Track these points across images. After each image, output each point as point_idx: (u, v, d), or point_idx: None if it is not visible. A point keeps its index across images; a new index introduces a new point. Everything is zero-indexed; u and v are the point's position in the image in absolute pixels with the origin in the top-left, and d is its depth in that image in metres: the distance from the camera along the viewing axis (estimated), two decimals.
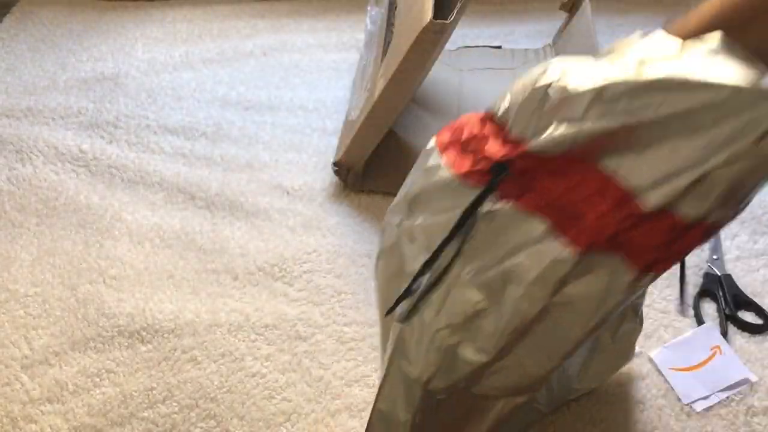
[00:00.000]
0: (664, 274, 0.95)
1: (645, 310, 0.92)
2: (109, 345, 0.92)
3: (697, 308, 0.92)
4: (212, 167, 1.19)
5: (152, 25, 1.57)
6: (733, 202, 0.41)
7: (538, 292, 0.48)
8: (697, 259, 0.98)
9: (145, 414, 0.84)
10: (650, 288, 0.95)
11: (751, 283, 0.94)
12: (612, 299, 0.47)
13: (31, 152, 1.24)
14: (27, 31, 1.57)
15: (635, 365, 0.86)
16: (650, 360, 0.87)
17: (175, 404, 0.85)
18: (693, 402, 0.82)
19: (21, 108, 1.34)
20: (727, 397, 0.82)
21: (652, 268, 0.45)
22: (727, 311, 0.91)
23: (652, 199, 0.42)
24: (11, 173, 1.20)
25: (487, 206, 0.49)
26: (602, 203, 0.44)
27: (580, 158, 0.44)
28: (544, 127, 0.45)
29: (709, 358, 0.86)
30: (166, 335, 0.92)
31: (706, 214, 0.41)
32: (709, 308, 0.93)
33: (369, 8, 1.27)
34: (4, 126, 1.30)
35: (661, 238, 0.43)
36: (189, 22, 1.58)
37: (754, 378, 0.84)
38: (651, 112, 0.40)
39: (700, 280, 0.95)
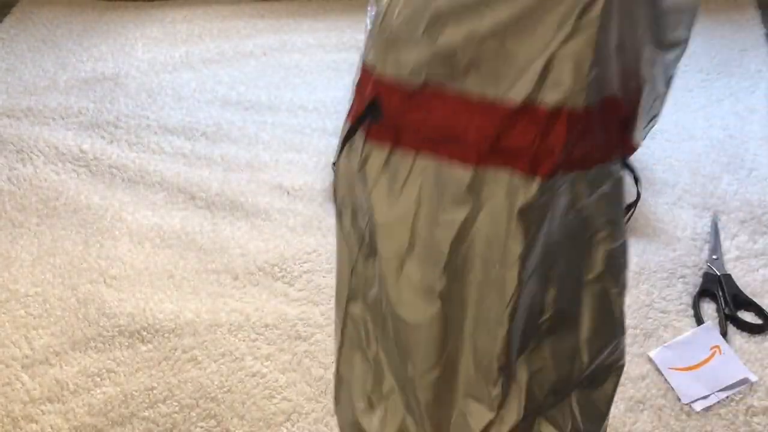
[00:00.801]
0: (664, 275, 0.96)
1: (645, 310, 0.92)
2: (109, 345, 0.92)
3: (696, 308, 0.92)
4: (212, 167, 1.19)
5: (152, 25, 1.57)
6: (582, 81, 0.44)
7: (451, 216, 0.49)
8: (697, 259, 0.98)
9: (146, 413, 0.84)
10: (650, 288, 0.95)
11: (750, 283, 0.94)
12: (518, 222, 0.47)
13: (31, 152, 1.24)
14: (27, 31, 1.57)
15: (635, 365, 0.86)
16: (650, 360, 0.87)
17: (175, 404, 0.85)
18: (693, 402, 0.82)
19: (21, 108, 1.34)
20: (727, 397, 0.82)
21: (537, 170, 0.46)
22: (726, 311, 0.91)
23: (513, 96, 0.45)
24: (12, 173, 1.20)
25: (378, 157, 0.50)
26: (474, 119, 0.47)
27: (438, 86, 0.47)
28: (393, 57, 0.48)
29: (709, 358, 0.86)
30: (166, 335, 0.92)
31: (564, 97, 0.45)
32: (708, 308, 0.93)
33: (369, 8, 1.27)
34: (5, 126, 1.30)
35: (533, 132, 0.45)
36: (189, 22, 1.58)
37: (753, 378, 0.84)
38: (485, 23, 0.44)
39: (699, 280, 0.95)
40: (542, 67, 0.44)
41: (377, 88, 0.49)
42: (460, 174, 0.47)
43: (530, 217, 0.47)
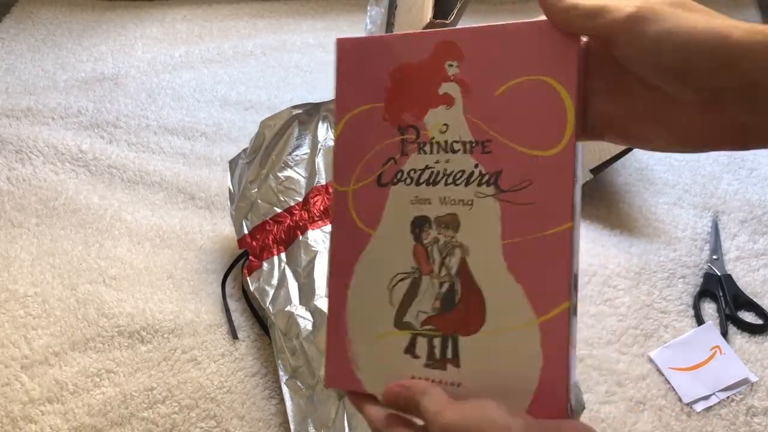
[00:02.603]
0: (665, 275, 0.96)
1: (645, 310, 0.92)
2: (109, 345, 0.92)
3: (697, 308, 0.92)
4: (212, 167, 1.19)
5: (152, 25, 1.57)
6: None
7: None
8: (697, 259, 0.98)
9: (145, 414, 0.84)
10: (650, 288, 0.95)
11: (751, 283, 0.94)
12: None
13: (30, 152, 1.24)
14: (27, 31, 1.57)
15: (635, 365, 0.86)
16: (650, 360, 0.87)
17: (175, 404, 0.85)
18: (693, 402, 0.82)
19: (21, 108, 1.34)
20: (728, 397, 0.82)
21: None
22: (727, 311, 0.91)
23: None
24: (11, 173, 1.20)
25: None
26: None
27: None
28: None
29: (710, 358, 0.86)
30: (166, 335, 0.92)
31: None
32: (709, 308, 0.93)
33: (369, 8, 1.27)
34: (4, 126, 1.30)
35: None
36: (189, 22, 1.58)
37: (754, 378, 0.84)
38: None
39: (700, 280, 0.95)
40: None
41: None
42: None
43: None
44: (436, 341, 0.44)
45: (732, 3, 1.46)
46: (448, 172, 0.44)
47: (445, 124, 0.44)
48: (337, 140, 0.47)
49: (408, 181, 0.45)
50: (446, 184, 0.44)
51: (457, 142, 0.44)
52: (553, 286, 0.41)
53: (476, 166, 0.43)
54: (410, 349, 0.45)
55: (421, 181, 0.44)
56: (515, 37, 0.43)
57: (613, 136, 0.43)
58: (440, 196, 0.44)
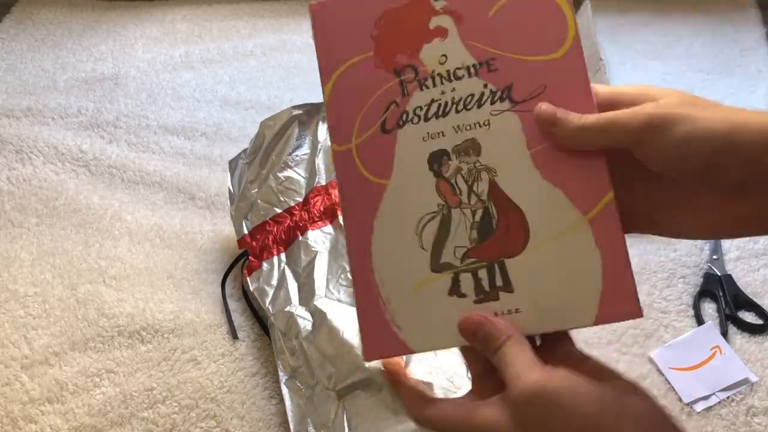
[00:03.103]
0: (665, 275, 0.96)
1: (645, 310, 0.92)
2: (109, 345, 0.92)
3: (697, 308, 0.92)
4: (212, 167, 1.19)
5: (152, 25, 1.57)
6: None
7: None
8: (697, 259, 0.98)
9: (145, 414, 0.84)
10: (650, 288, 0.95)
11: (751, 283, 0.94)
12: None
13: (30, 152, 1.24)
14: (27, 31, 1.57)
15: (636, 365, 0.86)
16: (650, 360, 0.87)
17: (175, 404, 0.85)
18: (693, 402, 0.82)
19: (21, 108, 1.34)
20: (728, 397, 0.82)
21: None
22: (727, 311, 0.91)
23: None
24: (11, 173, 1.20)
25: None
26: None
27: None
28: None
29: (710, 358, 0.86)
30: (166, 335, 0.92)
31: None
32: (709, 308, 0.93)
33: None
34: (4, 126, 1.30)
35: None
36: (189, 22, 1.58)
37: (754, 378, 0.84)
38: None
39: (700, 280, 0.95)
40: None
41: None
42: None
43: None
44: (482, 273, 0.41)
45: (732, 3, 1.46)
46: (457, 99, 0.42)
47: (444, 55, 0.43)
48: (328, 101, 0.46)
49: (415, 119, 0.43)
50: (457, 111, 0.42)
51: (459, 68, 0.43)
52: (593, 180, 0.39)
53: (485, 86, 0.42)
54: (455, 290, 0.42)
55: (430, 115, 0.43)
56: None
57: (638, 225, 0.43)
58: (453, 126, 0.42)
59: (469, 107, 0.42)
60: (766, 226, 0.39)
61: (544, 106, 0.40)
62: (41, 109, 1.33)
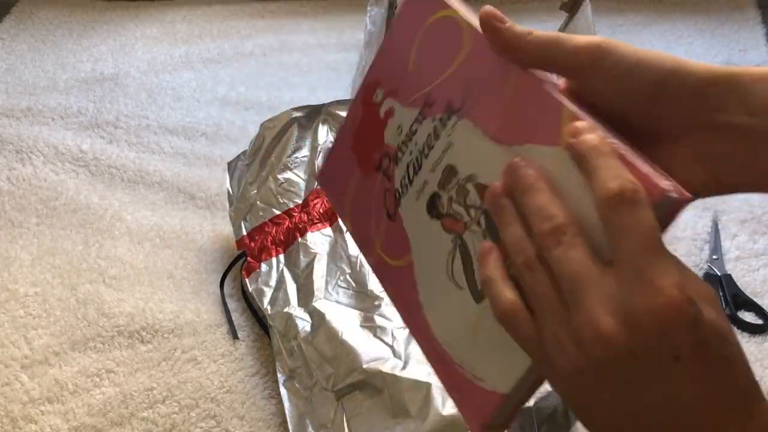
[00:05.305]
0: None
1: None
2: (109, 345, 0.92)
3: None
4: (212, 167, 1.19)
5: (152, 25, 1.57)
6: None
7: None
8: (697, 259, 0.98)
9: (145, 414, 0.84)
10: None
11: (751, 283, 0.94)
12: None
13: (30, 152, 1.24)
14: (27, 31, 1.57)
15: None
16: None
17: (175, 404, 0.85)
18: None
19: (21, 108, 1.34)
20: None
21: None
22: (727, 311, 0.91)
23: None
24: (11, 173, 1.20)
25: None
26: None
27: None
28: None
29: None
30: (166, 335, 0.92)
31: None
32: None
33: (369, 8, 1.27)
34: (4, 126, 1.30)
35: None
36: (189, 22, 1.58)
37: None
38: None
39: None
40: None
41: None
42: None
43: None
44: None
45: (732, 3, 1.46)
46: (421, 147, 0.44)
47: (399, 126, 0.46)
48: (350, 229, 0.50)
49: (404, 190, 0.45)
50: (426, 156, 0.44)
51: (412, 124, 0.45)
52: (544, 111, 0.37)
53: (433, 119, 0.44)
54: None
55: (411, 177, 0.45)
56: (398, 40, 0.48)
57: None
58: (429, 169, 0.43)
59: (431, 145, 0.44)
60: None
61: (488, 7, 0.40)
62: (41, 109, 1.34)
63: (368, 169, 0.48)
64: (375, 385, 0.74)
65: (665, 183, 0.32)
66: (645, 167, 0.33)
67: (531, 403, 0.68)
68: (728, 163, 0.37)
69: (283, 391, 0.80)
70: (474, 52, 0.42)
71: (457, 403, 0.42)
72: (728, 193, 0.39)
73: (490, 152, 0.40)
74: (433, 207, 0.43)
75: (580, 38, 0.36)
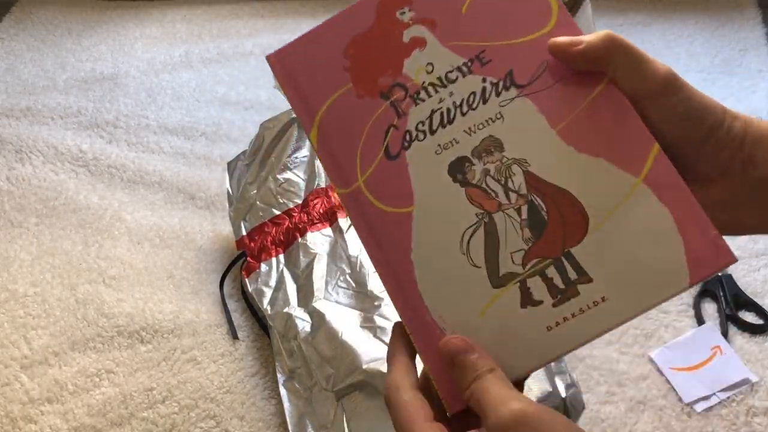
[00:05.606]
0: None
1: None
2: (108, 345, 0.92)
3: (697, 308, 0.92)
4: (212, 167, 1.19)
5: (152, 24, 1.57)
6: None
7: None
8: None
9: (145, 414, 0.84)
10: None
11: (751, 283, 0.94)
12: None
13: (30, 152, 1.24)
14: (27, 31, 1.57)
15: (636, 366, 0.86)
16: (651, 360, 0.87)
17: (175, 404, 0.85)
18: (694, 402, 0.82)
19: (21, 108, 1.34)
20: (728, 398, 0.82)
21: None
22: (727, 311, 0.91)
23: None
24: (11, 173, 1.20)
25: None
26: None
27: None
28: None
29: (710, 358, 0.86)
30: (166, 335, 0.92)
31: None
32: (709, 308, 0.92)
33: None
34: (4, 126, 1.30)
35: None
36: (189, 22, 1.58)
37: (754, 378, 0.83)
38: None
39: None
40: None
41: None
42: None
43: None
44: (550, 271, 0.38)
45: (732, 3, 1.46)
46: (459, 102, 0.40)
47: (429, 63, 0.41)
48: (318, 148, 0.42)
49: (420, 136, 0.40)
50: (463, 113, 0.40)
51: (450, 71, 0.41)
52: (632, 137, 0.37)
53: (484, 80, 0.40)
54: (527, 299, 0.38)
55: (435, 127, 0.40)
56: None
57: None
58: (464, 129, 0.40)
59: (474, 106, 0.40)
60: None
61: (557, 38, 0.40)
62: (41, 109, 1.33)
63: (368, 90, 0.42)
64: (375, 386, 0.74)
65: (732, 254, 0.36)
66: (720, 240, 0.36)
67: None
68: (755, 210, 0.39)
69: (282, 391, 0.80)
70: (557, 32, 0.39)
71: (437, 382, 0.38)
72: (744, 234, 0.41)
73: (553, 147, 0.38)
74: (458, 171, 0.40)
75: (657, 66, 0.38)
